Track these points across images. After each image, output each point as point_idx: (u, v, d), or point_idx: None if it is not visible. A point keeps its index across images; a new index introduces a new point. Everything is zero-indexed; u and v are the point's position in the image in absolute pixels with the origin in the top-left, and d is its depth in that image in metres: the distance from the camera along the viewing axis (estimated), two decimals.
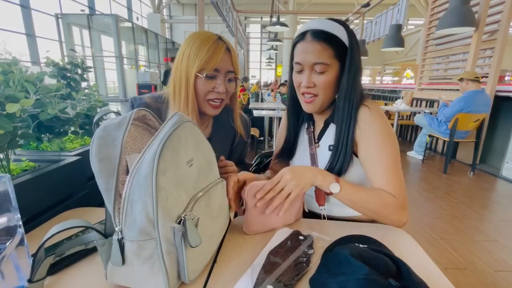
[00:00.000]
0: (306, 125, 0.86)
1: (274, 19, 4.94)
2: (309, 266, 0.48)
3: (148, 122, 0.53)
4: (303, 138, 0.86)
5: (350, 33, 0.70)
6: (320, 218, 0.75)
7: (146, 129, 0.54)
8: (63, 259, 0.48)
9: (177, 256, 0.42)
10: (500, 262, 1.64)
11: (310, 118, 0.84)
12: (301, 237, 0.57)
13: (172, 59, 4.70)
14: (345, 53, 0.69)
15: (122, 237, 0.40)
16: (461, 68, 3.97)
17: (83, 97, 0.94)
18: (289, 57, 0.76)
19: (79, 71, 1.09)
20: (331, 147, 0.76)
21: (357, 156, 0.72)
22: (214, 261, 0.52)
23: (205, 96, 0.77)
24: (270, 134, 4.50)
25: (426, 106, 4.62)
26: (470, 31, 3.44)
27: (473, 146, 3.27)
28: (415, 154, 3.86)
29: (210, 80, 0.75)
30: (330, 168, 0.73)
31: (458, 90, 3.71)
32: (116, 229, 0.41)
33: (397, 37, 4.40)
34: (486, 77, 3.41)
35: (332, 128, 0.78)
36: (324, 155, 0.78)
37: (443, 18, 3.24)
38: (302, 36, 0.71)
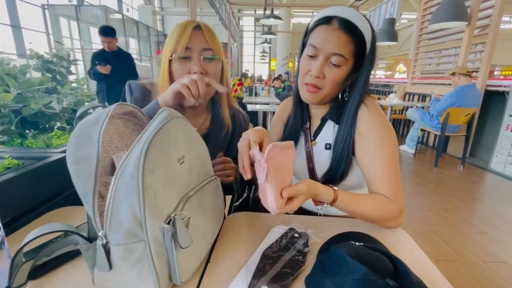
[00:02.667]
0: (302, 122, 0.81)
1: (268, 12, 4.88)
2: (304, 264, 0.47)
3: (138, 117, 0.50)
4: (300, 136, 0.82)
5: (374, 34, 0.66)
6: (313, 215, 0.74)
7: (136, 123, 0.52)
8: (48, 261, 0.46)
9: (167, 258, 0.41)
10: (489, 253, 1.68)
11: (307, 113, 0.80)
12: (296, 235, 0.55)
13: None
14: (362, 53, 0.66)
15: (107, 242, 0.38)
16: (453, 63, 4.00)
17: (70, 91, 0.90)
18: (302, 38, 0.71)
19: (65, 64, 1.04)
20: (327, 146, 0.74)
21: (353, 155, 0.70)
22: (208, 261, 0.51)
23: None
24: (265, 128, 4.47)
25: (418, 101, 4.66)
26: (463, 26, 3.46)
27: (463, 139, 3.33)
28: (407, 148, 3.91)
29: (184, 62, 0.70)
30: (331, 171, 0.71)
31: (450, 84, 3.75)
32: (99, 234, 0.38)
33: (390, 31, 4.40)
34: (477, 71, 3.45)
35: (329, 126, 0.75)
36: (320, 153, 0.75)
37: (436, 12, 3.25)
38: (328, 20, 0.64)
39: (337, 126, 0.72)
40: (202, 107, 0.82)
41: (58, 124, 0.90)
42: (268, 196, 0.48)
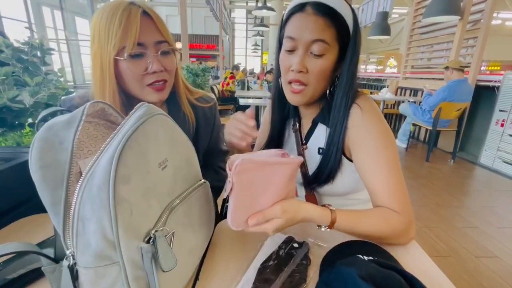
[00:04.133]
0: (291, 122, 0.74)
1: (260, 4, 4.76)
2: (306, 281, 0.42)
3: (110, 118, 0.43)
4: (290, 137, 0.75)
5: (355, 15, 0.58)
6: None
7: (109, 127, 0.44)
8: (5, 285, 0.39)
9: (147, 281, 0.34)
10: (481, 248, 1.68)
11: (296, 114, 0.73)
12: (295, 245, 0.50)
13: None
14: (346, 38, 0.58)
15: (75, 263, 0.32)
16: (444, 57, 4.01)
17: (42, 83, 0.82)
18: (278, 33, 0.63)
19: (39, 53, 0.95)
20: (321, 151, 0.67)
21: (350, 161, 0.64)
22: (196, 278, 0.45)
23: (139, 82, 0.59)
24: (257, 123, 4.41)
25: (410, 95, 4.68)
26: (455, 20, 3.45)
27: (454, 134, 3.35)
28: (399, 143, 3.92)
29: (137, 60, 0.58)
30: (318, 174, 0.66)
31: (441, 79, 3.76)
32: (67, 252, 0.32)
33: (383, 25, 4.37)
34: (468, 66, 3.46)
35: (320, 128, 0.69)
36: (313, 158, 0.69)
37: (430, 6, 3.23)
38: (301, 7, 0.57)
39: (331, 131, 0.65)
40: (158, 103, 0.70)
41: (30, 120, 0.81)
42: (229, 209, 0.43)
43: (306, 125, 0.72)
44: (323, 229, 0.50)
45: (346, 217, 0.50)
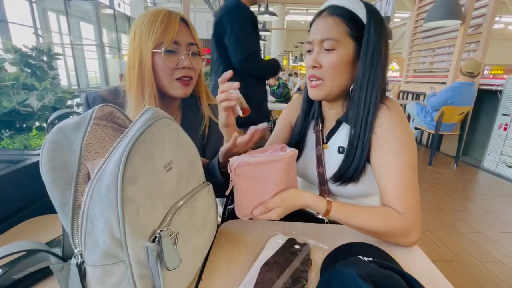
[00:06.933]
0: (314, 123, 0.77)
1: (262, 9, 4.80)
2: (307, 282, 0.43)
3: (118, 121, 0.45)
4: (310, 137, 0.77)
5: (371, 11, 0.60)
6: (318, 221, 0.69)
7: (116, 129, 0.46)
8: (14, 283, 0.40)
9: (152, 280, 0.35)
10: (484, 253, 1.67)
11: (320, 115, 0.75)
12: (296, 246, 0.51)
13: None
14: (361, 30, 0.60)
15: (83, 261, 0.33)
16: (446, 61, 4.02)
17: (49, 87, 0.84)
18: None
19: (45, 58, 0.97)
20: (341, 149, 0.69)
21: (369, 162, 0.64)
22: (199, 278, 0.46)
23: (170, 75, 0.67)
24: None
25: (412, 99, 4.68)
26: (457, 25, 3.46)
27: (457, 138, 3.33)
28: None
29: (171, 56, 0.66)
30: (340, 175, 0.66)
31: (444, 83, 3.76)
32: (76, 251, 0.33)
33: None
34: (476, 75, 3.46)
35: (344, 128, 0.70)
36: (332, 157, 0.70)
37: (431, 10, 3.24)
38: (319, 14, 0.64)
39: (353, 129, 0.66)
40: (174, 105, 0.76)
41: (37, 123, 0.83)
42: (235, 202, 0.52)
43: (329, 125, 0.74)
44: (320, 216, 0.55)
45: (341, 209, 0.54)
